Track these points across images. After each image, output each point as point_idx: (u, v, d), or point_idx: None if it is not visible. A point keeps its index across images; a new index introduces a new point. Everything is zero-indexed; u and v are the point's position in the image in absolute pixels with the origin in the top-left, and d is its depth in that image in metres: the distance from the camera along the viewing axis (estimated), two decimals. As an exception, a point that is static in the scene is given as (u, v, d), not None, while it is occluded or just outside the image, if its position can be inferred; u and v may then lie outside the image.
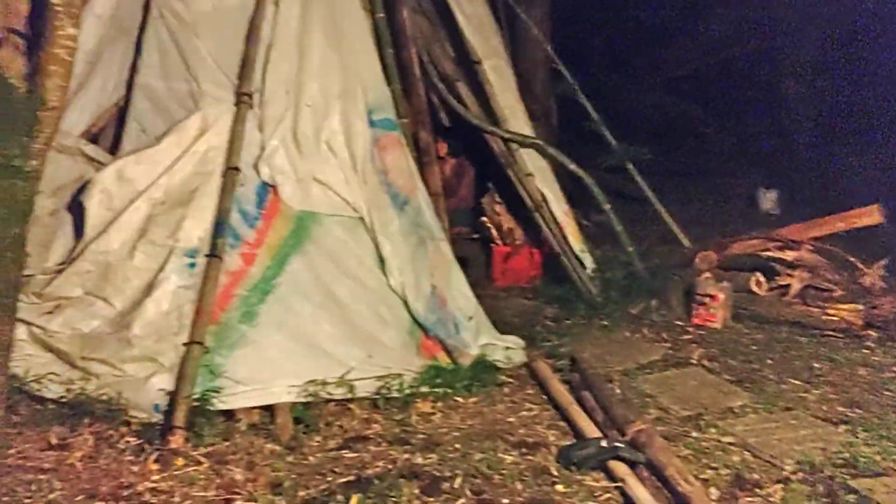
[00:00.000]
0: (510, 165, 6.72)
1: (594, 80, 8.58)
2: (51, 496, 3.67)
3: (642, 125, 10.75)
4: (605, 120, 7.46)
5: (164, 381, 4.30)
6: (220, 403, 4.34)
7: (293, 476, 3.96)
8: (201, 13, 5.13)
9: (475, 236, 7.16)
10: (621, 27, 12.62)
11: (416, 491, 3.85)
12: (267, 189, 4.96)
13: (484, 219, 7.10)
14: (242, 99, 5.01)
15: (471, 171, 7.36)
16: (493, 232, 7.05)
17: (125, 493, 3.76)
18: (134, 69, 5.19)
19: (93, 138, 5.20)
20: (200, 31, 5.09)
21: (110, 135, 5.24)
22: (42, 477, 3.81)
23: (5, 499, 3.51)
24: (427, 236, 5.41)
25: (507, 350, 5.34)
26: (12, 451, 3.90)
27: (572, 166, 6.93)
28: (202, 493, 3.79)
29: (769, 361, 5.52)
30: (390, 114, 5.57)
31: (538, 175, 6.74)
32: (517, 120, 6.84)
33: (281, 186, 4.99)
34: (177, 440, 4.10)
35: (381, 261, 5.15)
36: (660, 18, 12.37)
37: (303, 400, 4.54)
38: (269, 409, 4.48)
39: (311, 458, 4.16)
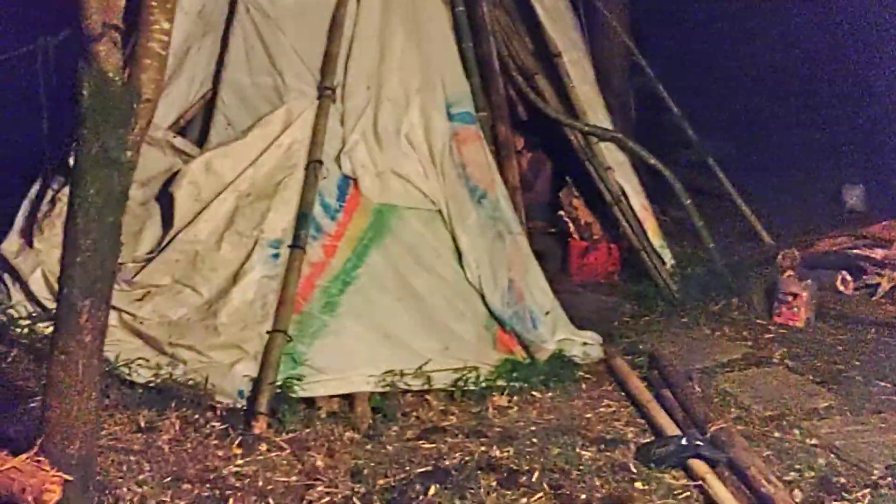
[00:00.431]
0: (589, 159, 6.66)
1: (672, 74, 8.43)
2: (140, 477, 3.80)
3: (721, 119, 10.54)
4: (683, 114, 7.35)
5: (249, 368, 4.41)
6: (301, 391, 4.43)
7: (372, 464, 4.02)
8: (285, 8, 5.23)
9: (552, 230, 7.12)
10: (700, 19, 12.39)
11: (494, 483, 3.86)
12: (348, 182, 5.03)
13: (561, 213, 7.06)
14: (325, 93, 5.08)
15: (548, 165, 7.33)
16: (571, 226, 7.00)
17: (211, 476, 3.87)
18: (220, 64, 5.31)
19: (181, 131, 5.34)
20: (284, 26, 5.19)
21: (197, 128, 5.38)
22: (132, 458, 3.95)
23: (98, 478, 3.63)
24: (504, 230, 5.41)
25: (585, 346, 5.30)
26: (104, 432, 4.03)
27: (652, 160, 6.83)
28: (284, 479, 3.88)
29: (856, 363, 5.35)
30: (469, 107, 5.59)
31: (617, 169, 6.67)
32: (596, 113, 6.77)
33: (361, 179, 5.05)
34: (260, 426, 4.21)
35: (459, 254, 5.17)
36: (741, 10, 12.10)
37: (381, 390, 4.60)
38: (348, 398, 4.56)
39: (389, 448, 4.21)
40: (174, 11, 3.52)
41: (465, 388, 4.75)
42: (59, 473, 3.38)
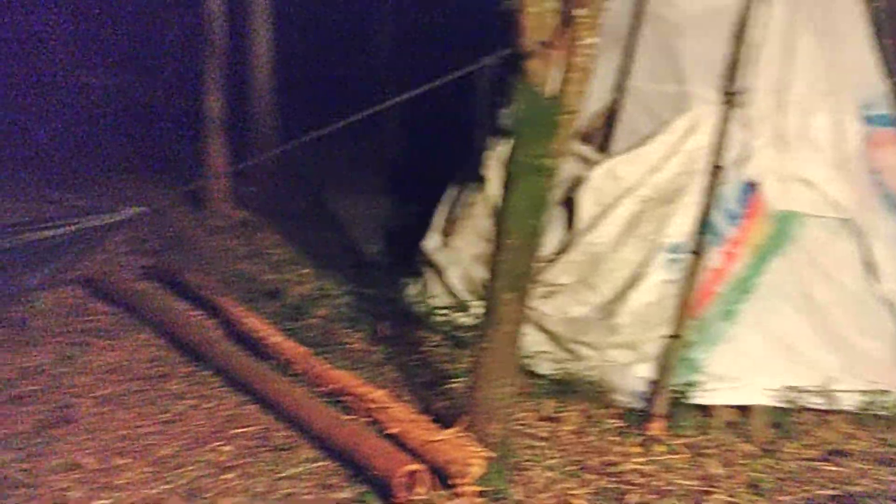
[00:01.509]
0: None
1: None
2: (546, 462, 4.07)
3: None
4: None
5: (645, 370, 4.50)
6: (697, 397, 4.44)
7: (771, 479, 3.94)
8: (691, 16, 5.21)
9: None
10: None
11: (912, 517, 3.60)
12: (750, 188, 4.92)
13: None
14: (729, 99, 5.00)
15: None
16: None
17: (610, 469, 4.04)
18: (623, 73, 5.45)
19: (584, 139, 5.56)
20: (690, 34, 5.17)
21: (599, 135, 5.57)
22: (539, 444, 4.24)
23: (513, 460, 3.96)
24: (926, 242, 4.96)
25: None
26: (514, 417, 4.36)
27: None
28: (683, 482, 3.93)
29: None
30: (887, 109, 5.19)
31: None
32: None
33: (764, 185, 4.91)
34: (656, 428, 4.29)
35: (870, 266, 4.84)
36: None
37: (780, 405, 4.46)
38: (744, 409, 4.48)
39: (788, 465, 4.10)
40: (599, 27, 3.73)
41: (874, 412, 4.45)
42: (484, 450, 3.75)
